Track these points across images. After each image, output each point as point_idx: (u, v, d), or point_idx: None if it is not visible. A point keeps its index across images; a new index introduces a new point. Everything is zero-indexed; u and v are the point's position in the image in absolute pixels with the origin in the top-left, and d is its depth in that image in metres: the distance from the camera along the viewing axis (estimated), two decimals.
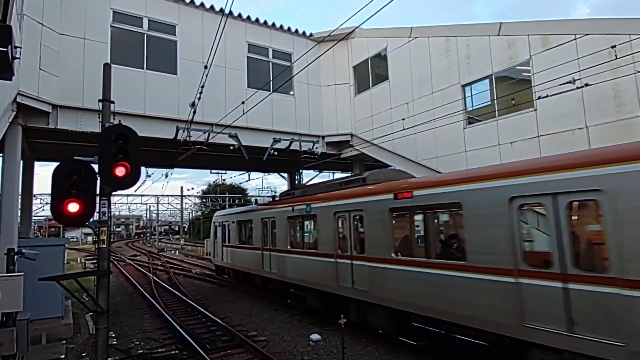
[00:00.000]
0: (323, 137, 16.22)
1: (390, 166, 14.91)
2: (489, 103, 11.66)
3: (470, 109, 12.19)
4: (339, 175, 25.35)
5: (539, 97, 9.55)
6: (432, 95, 12.85)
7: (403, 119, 13.01)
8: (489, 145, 11.21)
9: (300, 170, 21.89)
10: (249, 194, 62.55)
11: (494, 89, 11.40)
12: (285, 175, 22.12)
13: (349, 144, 16.19)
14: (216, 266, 20.26)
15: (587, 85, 8.46)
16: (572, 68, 8.86)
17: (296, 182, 21.87)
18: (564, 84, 8.77)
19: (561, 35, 9.45)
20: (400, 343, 9.02)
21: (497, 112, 11.26)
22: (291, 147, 14.92)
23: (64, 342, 10.12)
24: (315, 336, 9.86)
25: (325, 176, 28.22)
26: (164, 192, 57.06)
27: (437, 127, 11.99)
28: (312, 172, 23.03)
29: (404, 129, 12.86)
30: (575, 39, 9.12)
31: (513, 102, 10.79)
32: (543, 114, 9.96)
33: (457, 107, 11.86)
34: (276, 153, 14.46)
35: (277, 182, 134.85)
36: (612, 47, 7.89)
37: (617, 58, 7.91)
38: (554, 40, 9.64)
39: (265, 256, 14.11)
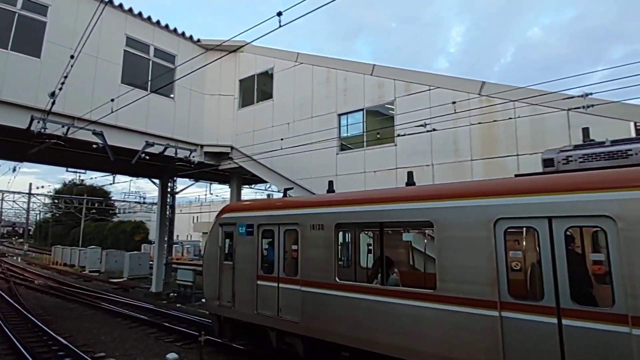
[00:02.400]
0: (202, 146, 15.78)
1: (267, 182, 15.23)
2: (360, 133, 12.91)
3: (345, 136, 13.30)
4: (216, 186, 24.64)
5: (399, 135, 10.98)
6: (312, 120, 13.66)
7: (282, 139, 13.51)
8: (356, 171, 12.35)
9: (175, 178, 20.76)
10: (112, 197, 56.47)
11: (365, 122, 12.67)
12: (157, 181, 20.70)
13: (228, 156, 16.06)
14: (224, 319, 9.06)
15: (434, 130, 10.05)
16: (425, 114, 10.43)
17: (168, 189, 20.65)
18: (417, 126, 10.26)
19: (419, 85, 11.09)
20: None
21: (365, 143, 12.51)
22: (166, 153, 14.14)
23: None
24: (172, 355, 9.36)
25: (202, 185, 27.18)
26: (10, 188, 47.85)
27: (313, 150, 12.75)
28: (187, 180, 22.01)
29: (282, 148, 13.34)
30: (429, 89, 10.81)
31: (378, 136, 12.18)
32: (401, 149, 11.43)
33: (332, 133, 12.83)
34: (147, 157, 13.55)
35: (148, 188, 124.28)
36: (453, 102, 9.56)
37: (455, 112, 9.60)
38: (414, 87, 11.25)
39: None
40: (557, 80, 8.79)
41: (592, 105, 8.56)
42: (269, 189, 25.62)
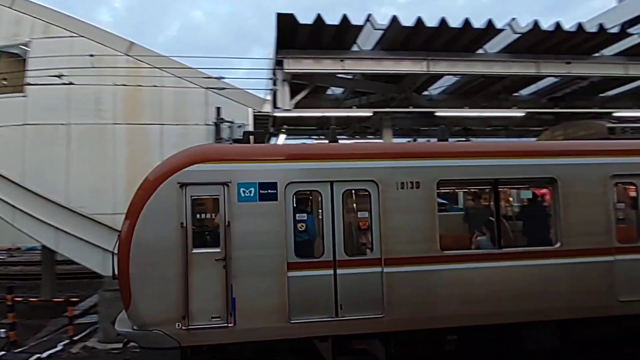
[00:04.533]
0: None
1: None
2: None
3: None
4: None
5: (29, 84, 9.04)
6: None
7: None
8: None
9: None
10: None
11: None
12: None
13: None
14: (193, 351, 5.65)
15: (72, 84, 8.78)
16: (64, 64, 8.97)
17: None
18: (52, 76, 8.70)
19: (61, 29, 9.49)
20: None
21: None
22: None
23: None
24: None
25: None
26: None
27: None
28: None
29: None
30: (72, 37, 9.42)
31: (5, 82, 9.67)
32: (33, 101, 9.45)
33: None
34: None
35: None
36: (91, 55, 8.65)
37: (96, 67, 8.72)
38: (55, 30, 9.53)
39: None
40: (199, 57, 9.45)
41: (225, 88, 9.68)
42: None
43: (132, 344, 5.93)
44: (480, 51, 8.68)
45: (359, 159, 6.05)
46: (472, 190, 7.93)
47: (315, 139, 14.85)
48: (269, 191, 5.57)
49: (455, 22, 7.73)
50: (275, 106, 8.58)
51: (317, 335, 5.65)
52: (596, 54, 8.97)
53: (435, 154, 6.41)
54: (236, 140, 7.95)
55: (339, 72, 8.65)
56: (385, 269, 5.70)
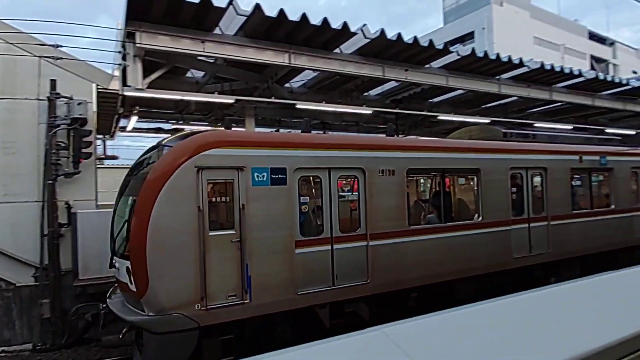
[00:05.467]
0: None
1: None
2: None
3: None
4: None
5: None
6: None
7: None
8: None
9: None
10: None
11: None
12: None
13: None
14: (204, 330, 5.59)
15: None
16: None
17: None
18: None
19: None
20: None
21: None
22: None
23: None
24: None
25: None
26: None
27: None
28: None
29: None
30: None
31: None
32: None
33: None
34: None
35: None
36: None
37: None
38: None
39: None
40: (33, 21, 7.95)
41: (62, 58, 8.34)
42: None
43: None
44: (336, 50, 9.38)
45: (351, 149, 6.98)
46: (427, 177, 9.70)
47: (173, 123, 13.96)
48: (280, 176, 6.10)
49: (315, 20, 8.19)
50: (125, 84, 7.73)
51: (318, 304, 6.41)
52: (427, 65, 10.60)
53: (406, 147, 7.87)
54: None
55: (199, 54, 8.27)
56: (370, 243, 6.81)
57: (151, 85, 8.48)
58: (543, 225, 9.03)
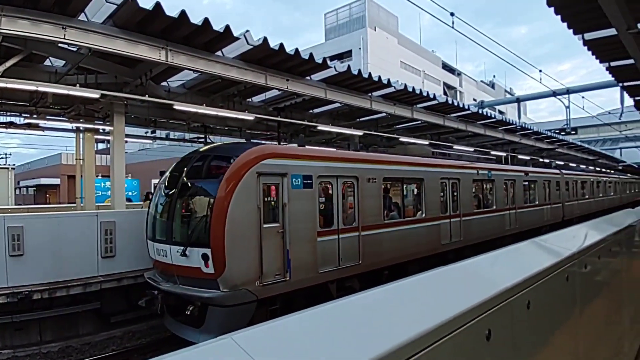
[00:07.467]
0: None
1: None
2: None
3: None
4: None
5: None
6: None
7: None
8: None
9: None
10: None
11: None
12: None
13: None
14: (260, 303, 7.31)
15: None
16: None
17: None
18: None
19: None
20: None
21: None
22: None
23: None
24: None
25: None
26: None
27: None
28: None
29: None
30: None
31: None
32: None
33: None
34: None
35: None
36: None
37: None
38: None
39: None
40: None
41: None
42: None
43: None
44: (219, 53, 9.20)
45: (350, 162, 9.20)
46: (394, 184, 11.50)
47: (27, 117, 11.98)
48: (308, 181, 7.84)
49: (196, 19, 7.91)
50: None
51: (330, 280, 8.26)
52: (307, 77, 11.11)
53: (383, 161, 10.39)
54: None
55: (59, 41, 7.29)
56: (362, 233, 8.94)
57: (4, 75, 7.18)
58: (460, 220, 12.53)
